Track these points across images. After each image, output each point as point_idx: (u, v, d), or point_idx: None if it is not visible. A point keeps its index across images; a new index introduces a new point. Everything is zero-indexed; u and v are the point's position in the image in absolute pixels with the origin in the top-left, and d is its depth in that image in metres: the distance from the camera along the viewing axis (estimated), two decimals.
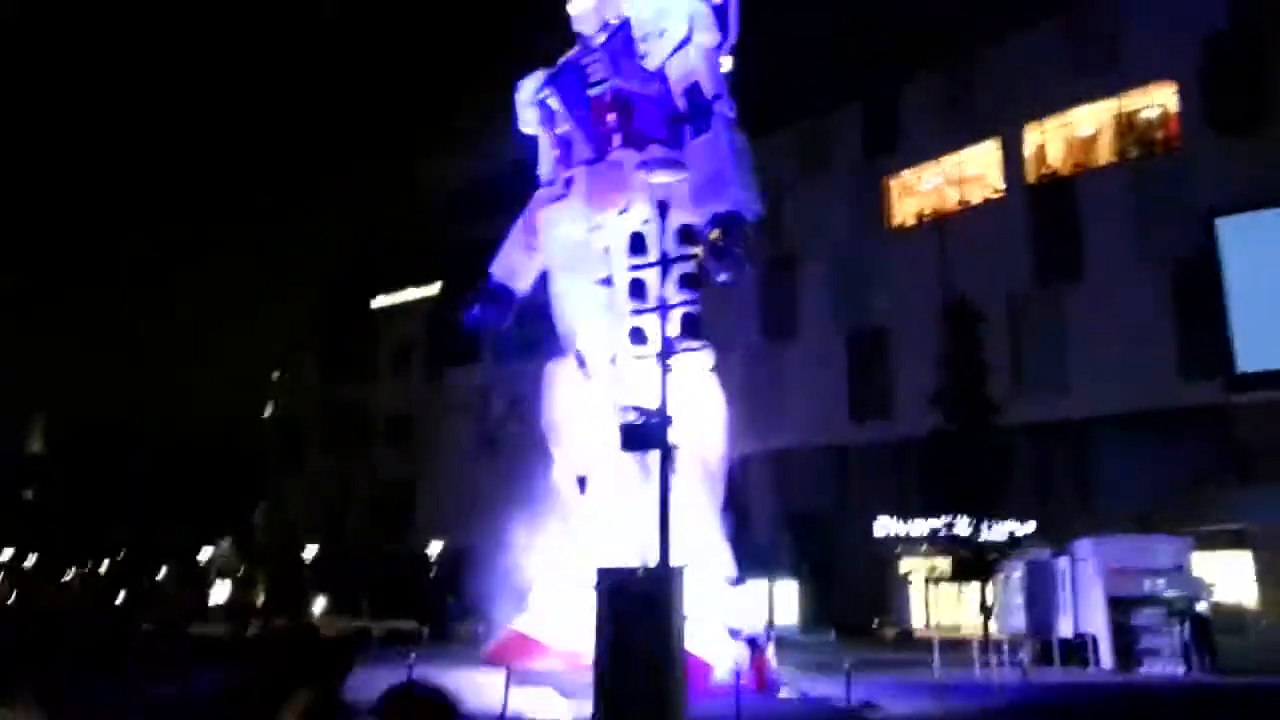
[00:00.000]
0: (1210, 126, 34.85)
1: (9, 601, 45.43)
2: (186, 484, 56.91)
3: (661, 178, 12.44)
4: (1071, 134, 39.32)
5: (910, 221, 43.57)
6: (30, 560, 65.11)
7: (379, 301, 62.33)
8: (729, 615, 18.41)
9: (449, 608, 35.71)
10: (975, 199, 41.69)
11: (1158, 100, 37.12)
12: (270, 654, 3.37)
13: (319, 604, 43.77)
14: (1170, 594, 24.93)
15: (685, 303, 11.63)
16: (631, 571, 10.11)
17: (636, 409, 11.39)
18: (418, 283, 60.22)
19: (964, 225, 41.05)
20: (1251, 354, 32.67)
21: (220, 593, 58.18)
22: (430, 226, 59.94)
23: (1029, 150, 40.02)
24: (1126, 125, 37.88)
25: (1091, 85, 37.59)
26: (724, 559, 18.47)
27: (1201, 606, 24.91)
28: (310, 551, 52.05)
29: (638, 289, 11.88)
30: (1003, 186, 40.64)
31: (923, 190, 43.56)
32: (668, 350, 11.71)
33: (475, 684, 18.30)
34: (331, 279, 65.56)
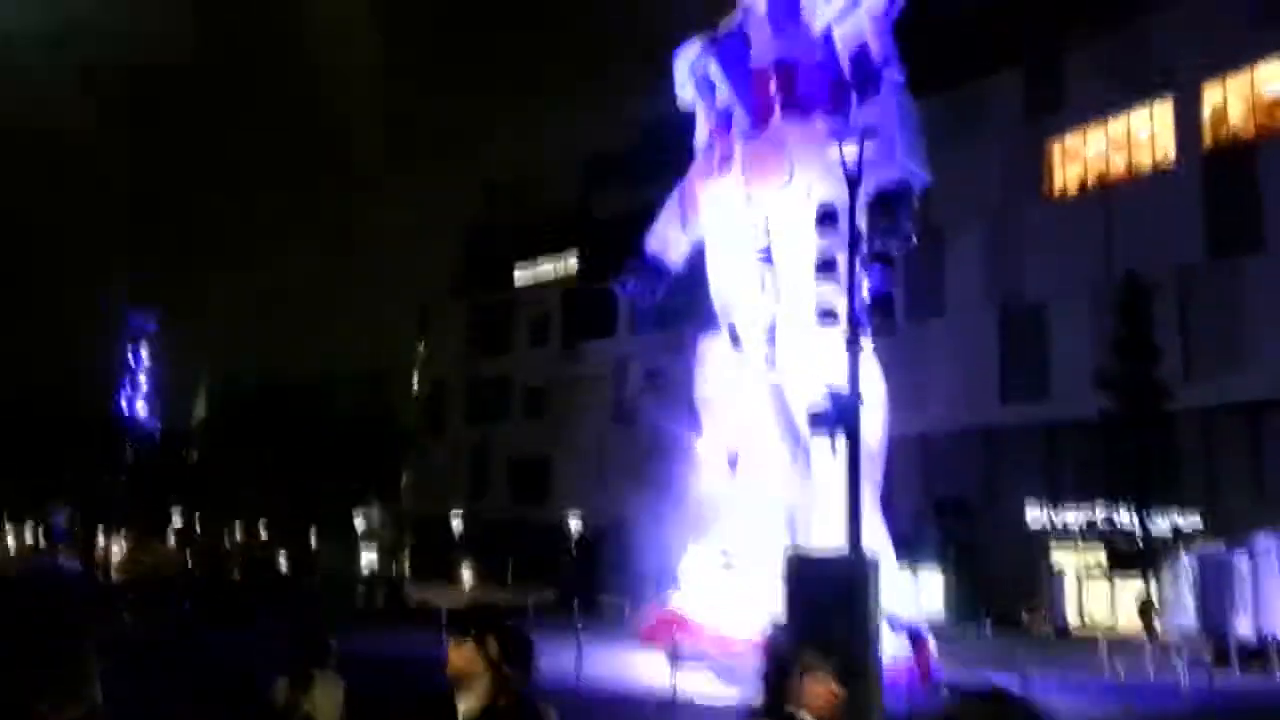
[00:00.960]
0: None
1: (191, 567, 48.31)
2: (337, 449, 59.12)
3: (851, 150, 11.83)
4: (1255, 93, 36.29)
5: (1073, 189, 41.18)
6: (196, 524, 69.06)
7: (519, 274, 63.14)
8: (890, 605, 17.78)
9: (595, 583, 36.00)
10: (1145, 164, 39.04)
11: None
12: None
13: (465, 574, 44.94)
14: None
15: (877, 281, 11.05)
16: (826, 559, 9.68)
17: (827, 389, 10.92)
18: (553, 254, 60.68)
19: (1132, 193, 38.50)
20: None
21: (368, 558, 60.60)
22: (567, 198, 60.25)
23: (1207, 111, 37.16)
24: None
25: (1276, 37, 34.55)
26: (885, 546, 17.81)
27: None
28: (455, 522, 53.42)
29: (827, 267, 11.36)
30: (1175, 151, 37.93)
31: (1087, 155, 41.06)
32: (858, 330, 11.17)
33: (635, 664, 18.31)
34: (473, 248, 66.60)
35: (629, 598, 29.19)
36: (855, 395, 10.85)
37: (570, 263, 59.66)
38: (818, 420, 10.97)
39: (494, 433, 60.76)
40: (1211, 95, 37.02)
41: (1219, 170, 36.12)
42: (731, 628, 19.63)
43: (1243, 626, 24.92)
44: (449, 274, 68.25)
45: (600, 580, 39.45)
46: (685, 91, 20.59)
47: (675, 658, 14.88)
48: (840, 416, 10.75)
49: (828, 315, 11.26)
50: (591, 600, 32.60)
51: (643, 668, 17.56)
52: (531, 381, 59.91)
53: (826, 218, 11.64)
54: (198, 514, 68.09)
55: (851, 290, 11.05)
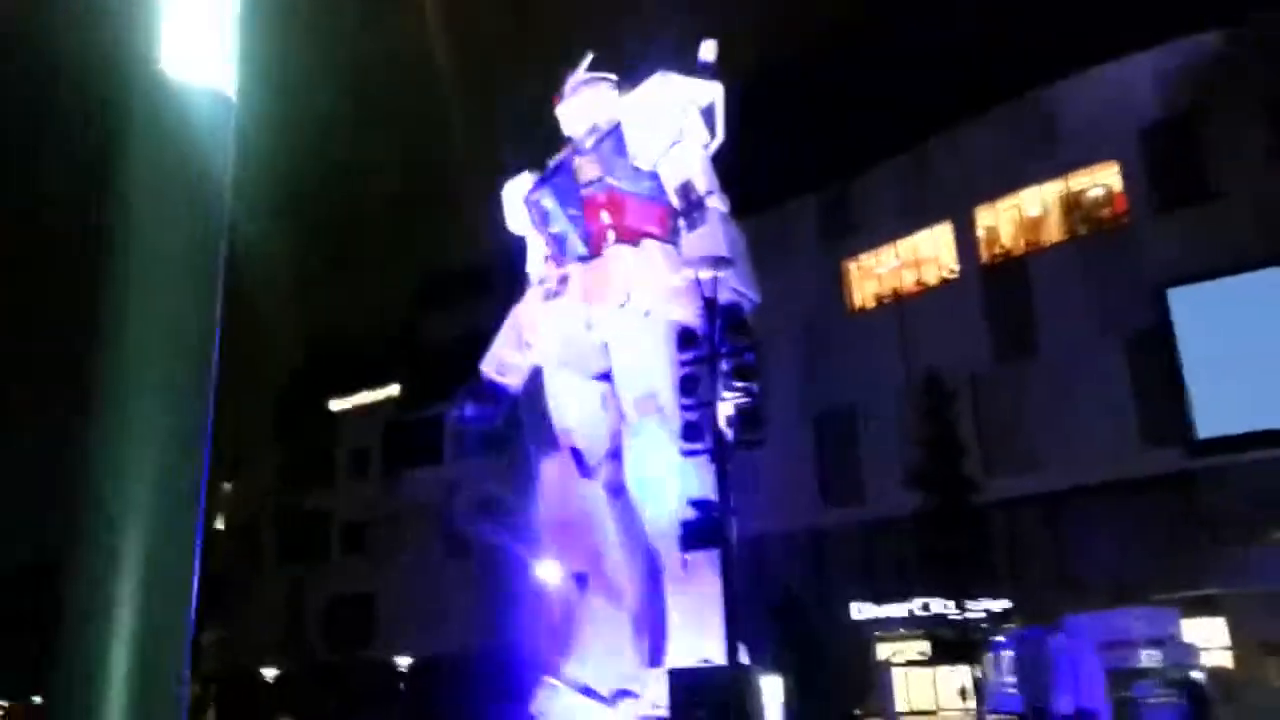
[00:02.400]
0: (1154, 203, 36.46)
1: None
2: None
3: (705, 273, 12.49)
4: (1021, 214, 40.78)
5: (870, 304, 44.49)
6: None
7: (336, 404, 61.25)
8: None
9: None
10: (932, 280, 42.79)
11: (1101, 180, 38.77)
12: None
13: None
14: (1166, 664, 25.02)
15: (742, 396, 11.58)
16: (707, 671, 9.77)
17: (696, 504, 11.20)
18: (373, 385, 59.45)
19: (922, 306, 42.03)
20: (1209, 420, 33.56)
21: None
22: (386, 328, 59.60)
23: (981, 231, 41.36)
24: (1074, 204, 39.43)
25: (1038, 167, 39.19)
26: (743, 653, 18.04)
27: (1197, 675, 25.02)
28: (269, 671, 49.80)
29: (689, 384, 11.82)
30: (957, 267, 41.81)
31: (881, 273, 44.63)
32: (724, 446, 11.62)
33: None
34: (290, 394, 64.36)
35: None
36: (726, 507, 11.23)
37: (391, 391, 58.56)
38: (690, 535, 11.22)
39: (311, 572, 57.66)
40: (984, 217, 41.28)
41: (996, 283, 40.05)
42: None
43: (1063, 704, 26.52)
44: (265, 423, 65.46)
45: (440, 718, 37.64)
46: (517, 220, 21.11)
47: None
48: (712, 530, 11.06)
49: (693, 431, 11.68)
50: None
51: None
52: (352, 516, 57.58)
53: (683, 338, 12.19)
54: None
55: (715, 407, 11.54)
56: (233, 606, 59.68)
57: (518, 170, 20.96)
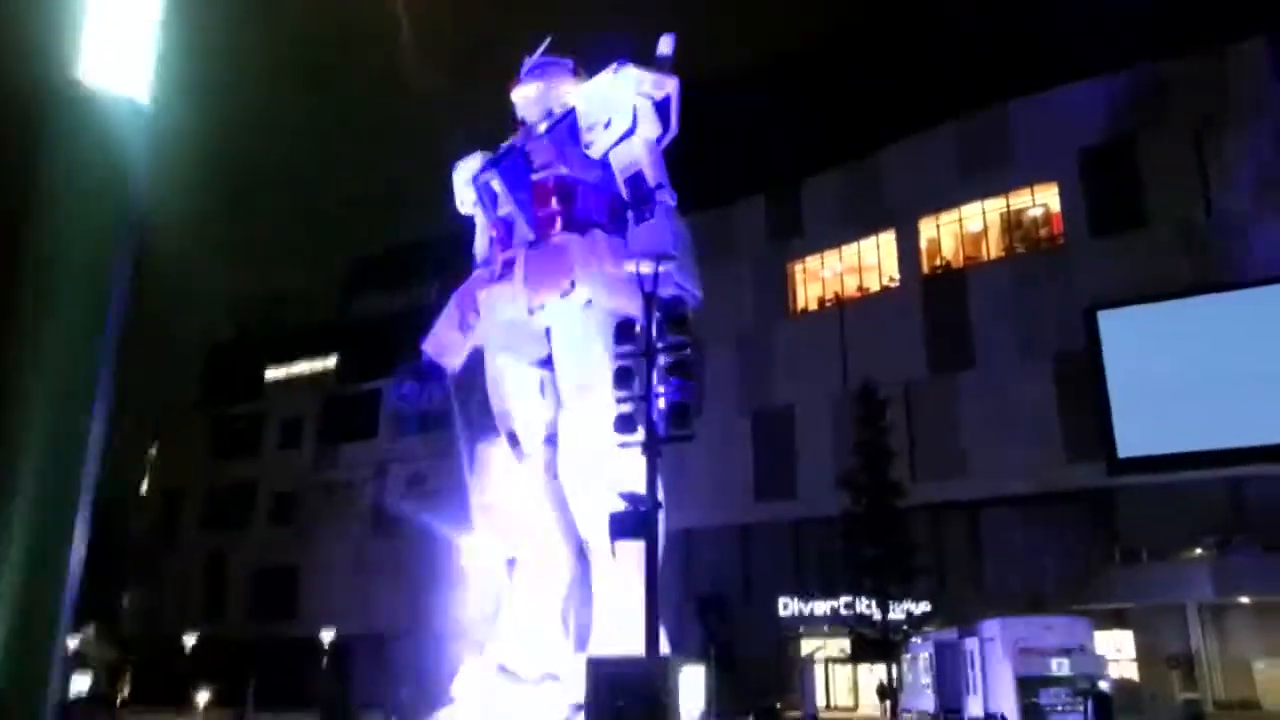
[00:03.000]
0: (1090, 226, 37.45)
1: None
2: None
3: (647, 267, 12.59)
4: (963, 229, 41.58)
5: (813, 306, 45.03)
6: None
7: (270, 374, 60.23)
8: None
9: (352, 700, 34.03)
10: (874, 287, 43.43)
11: (1040, 199, 39.70)
12: None
13: (201, 695, 41.05)
14: (1074, 673, 25.82)
15: (674, 391, 11.70)
16: (627, 662, 9.89)
17: (625, 497, 11.31)
18: (311, 355, 58.58)
19: (864, 312, 42.66)
20: (1131, 440, 34.65)
21: (80, 684, 53.99)
22: (322, 301, 58.76)
23: (924, 242, 42.08)
24: (1014, 222, 40.32)
25: (981, 184, 39.98)
26: (664, 644, 18.26)
27: (1103, 685, 25.85)
28: (188, 639, 48.90)
29: (624, 377, 11.91)
30: (899, 276, 42.51)
31: (825, 276, 45.18)
32: (655, 439, 11.73)
33: None
34: (219, 362, 63.12)
35: (392, 715, 27.86)
36: (654, 501, 11.36)
37: (328, 364, 57.76)
38: (618, 525, 11.33)
39: (234, 541, 56.73)
40: (927, 229, 42.01)
41: (935, 294, 40.81)
42: None
43: (974, 706, 27.26)
44: (191, 390, 64.19)
45: (360, 697, 37.36)
46: (465, 201, 21.02)
47: None
48: (640, 522, 11.19)
49: (626, 423, 11.79)
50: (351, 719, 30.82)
51: None
52: (279, 487, 56.74)
53: (621, 330, 12.27)
54: None
55: (650, 401, 11.65)
56: (153, 572, 58.51)
57: (467, 151, 20.92)
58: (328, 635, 43.83)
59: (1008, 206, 40.29)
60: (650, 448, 11.72)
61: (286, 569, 53.80)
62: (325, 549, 51.56)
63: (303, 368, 59.06)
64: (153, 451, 64.32)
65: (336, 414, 55.41)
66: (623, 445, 11.82)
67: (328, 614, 46.76)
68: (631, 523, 11.30)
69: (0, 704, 3.16)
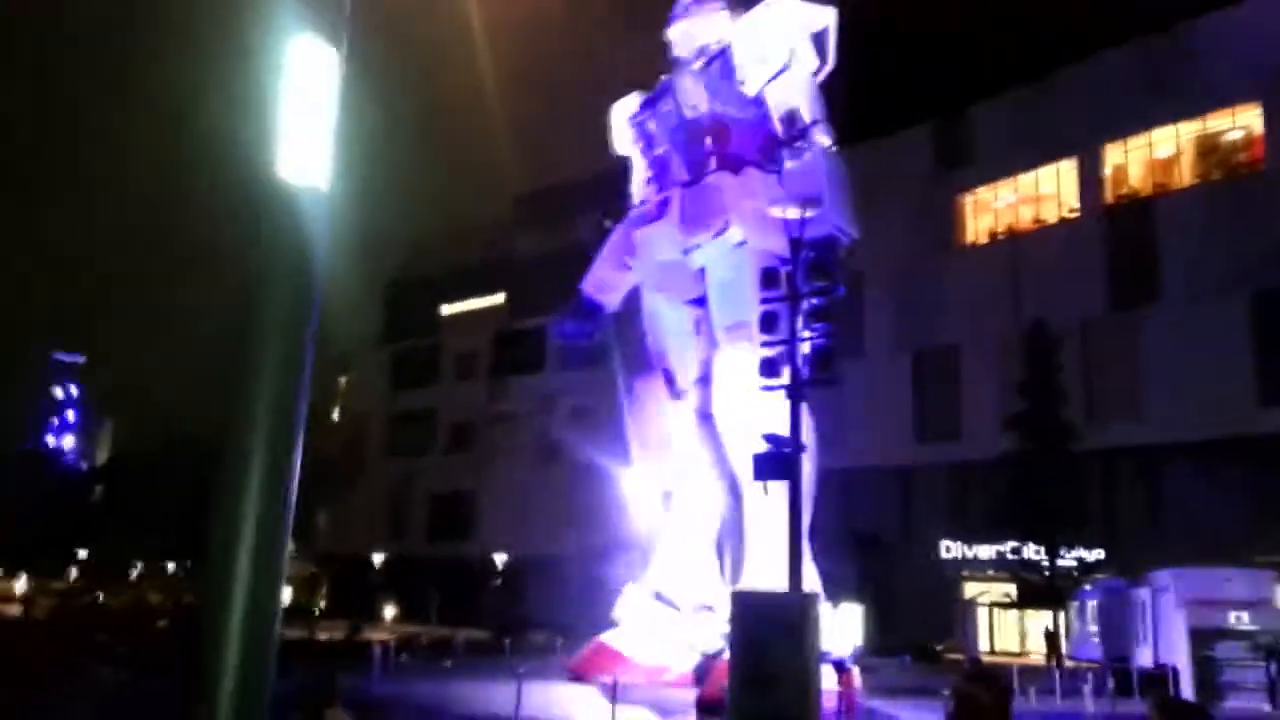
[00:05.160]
0: None
1: (95, 600, 46.59)
2: None
3: (795, 212, 12.63)
4: (1152, 155, 38.83)
5: (983, 240, 43.27)
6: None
7: (446, 309, 63.17)
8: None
9: (522, 618, 36.02)
10: (1050, 219, 41.30)
11: (1241, 122, 36.54)
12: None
13: (388, 610, 44.36)
14: (1255, 628, 24.49)
15: (817, 336, 11.81)
16: (771, 597, 10.26)
17: (769, 438, 11.59)
18: (481, 292, 60.98)
19: (1038, 245, 40.68)
20: None
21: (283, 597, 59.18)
22: (494, 238, 60.72)
23: (1108, 170, 39.59)
24: (1209, 147, 37.32)
25: (1173, 106, 37.13)
26: (814, 580, 18.58)
27: None
28: (376, 558, 52.78)
29: (770, 321, 12.10)
30: (1079, 206, 40.23)
31: (997, 208, 43.25)
32: (799, 384, 11.91)
33: (569, 699, 18.65)
34: (397, 299, 66.56)
35: (559, 634, 29.39)
36: (797, 445, 11.56)
37: (498, 300, 60.03)
38: (761, 466, 11.63)
39: (416, 468, 60.37)
40: (1113, 156, 39.43)
41: (1120, 226, 38.42)
42: (665, 662, 20.15)
43: (1144, 657, 26.32)
44: (372, 326, 68.01)
45: (528, 616, 39.50)
46: (622, 141, 21.42)
47: (612, 692, 15.27)
48: (783, 464, 11.43)
49: (770, 367, 11.99)
50: (520, 637, 32.72)
51: (578, 703, 17.91)
52: (456, 417, 59.81)
53: (767, 276, 12.42)
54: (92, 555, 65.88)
55: (793, 346, 11.79)
56: (340, 493, 63.13)
57: (625, 91, 21.23)
58: (500, 558, 46.30)
59: (1204, 129, 37.28)
60: (794, 392, 11.87)
61: (463, 494, 56.96)
62: (497, 476, 54.20)
63: (474, 304, 61.61)
64: (342, 380, 68.86)
65: (506, 349, 57.70)
66: (765, 389, 12.04)
67: (500, 538, 49.34)
68: (775, 464, 11.52)
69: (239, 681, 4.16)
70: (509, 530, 49.77)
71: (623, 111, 21.20)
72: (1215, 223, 35.57)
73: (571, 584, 39.47)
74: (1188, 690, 24.62)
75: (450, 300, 62.84)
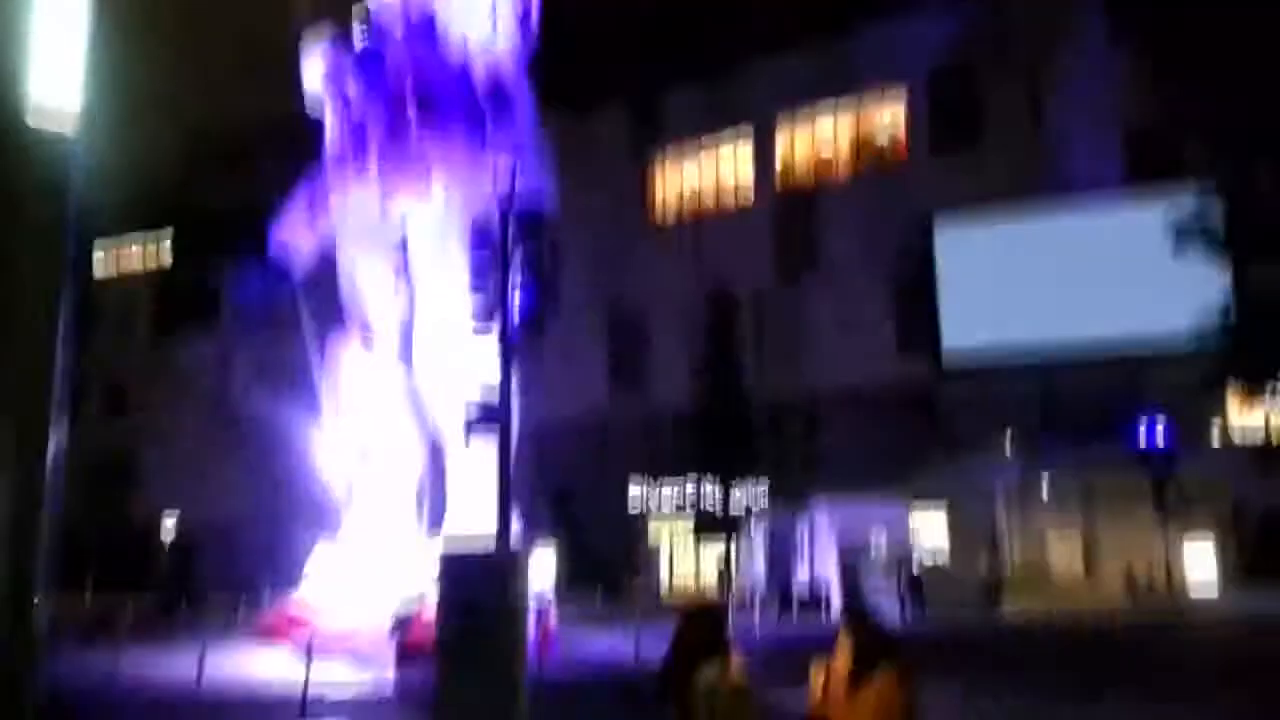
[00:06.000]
0: (931, 142, 39.62)
1: None
2: None
3: (504, 168, 12.81)
4: (815, 141, 43.16)
5: (672, 216, 46.28)
6: None
7: (100, 255, 56.77)
8: None
9: (199, 583, 33.92)
10: (729, 199, 44.92)
11: (889, 115, 41.56)
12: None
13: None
14: (889, 544, 28.46)
15: (528, 287, 12.20)
16: (477, 556, 10.52)
17: (481, 390, 11.81)
18: (143, 232, 55.26)
19: (719, 222, 44.15)
20: (956, 339, 37.52)
21: None
22: (156, 182, 55.24)
23: (779, 153, 43.55)
24: (863, 140, 42.16)
25: (832, 98, 41.63)
26: (515, 527, 19.21)
27: (916, 562, 28.59)
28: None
29: (480, 279, 12.29)
30: (752, 185, 43.98)
31: (685, 188, 46.34)
32: (512, 340, 12.23)
33: (258, 661, 18.05)
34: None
35: (242, 596, 28.11)
36: (508, 396, 11.94)
37: (164, 246, 54.87)
38: (476, 417, 11.85)
39: (72, 430, 54.28)
40: (783, 141, 43.50)
41: (786, 203, 42.67)
42: (358, 618, 20.01)
43: (802, 574, 29.74)
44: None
45: (206, 580, 37.28)
46: (315, 93, 20.55)
47: (306, 651, 15.02)
48: (494, 414, 11.76)
49: (484, 323, 12.23)
50: (199, 601, 30.90)
51: (267, 665, 17.44)
52: (112, 376, 54.19)
53: (479, 230, 12.61)
54: None
55: (505, 304, 12.11)
56: None
57: (319, 44, 20.24)
58: (169, 521, 43.22)
59: (857, 119, 42.03)
60: (505, 341, 12.24)
61: (123, 458, 52.09)
62: (166, 438, 50.14)
63: (134, 248, 55.82)
64: None
65: (173, 299, 53.09)
66: (479, 332, 12.30)
67: (171, 501, 45.89)
68: (487, 410, 11.86)
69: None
70: (180, 493, 46.31)
71: (316, 66, 20.29)
72: (866, 202, 40.28)
73: (256, 547, 37.66)
74: (837, 603, 28.21)
75: (105, 237, 56.20)
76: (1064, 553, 35.51)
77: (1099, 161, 36.59)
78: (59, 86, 4.13)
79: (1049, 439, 35.58)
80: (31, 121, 3.99)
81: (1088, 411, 34.68)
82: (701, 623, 4.18)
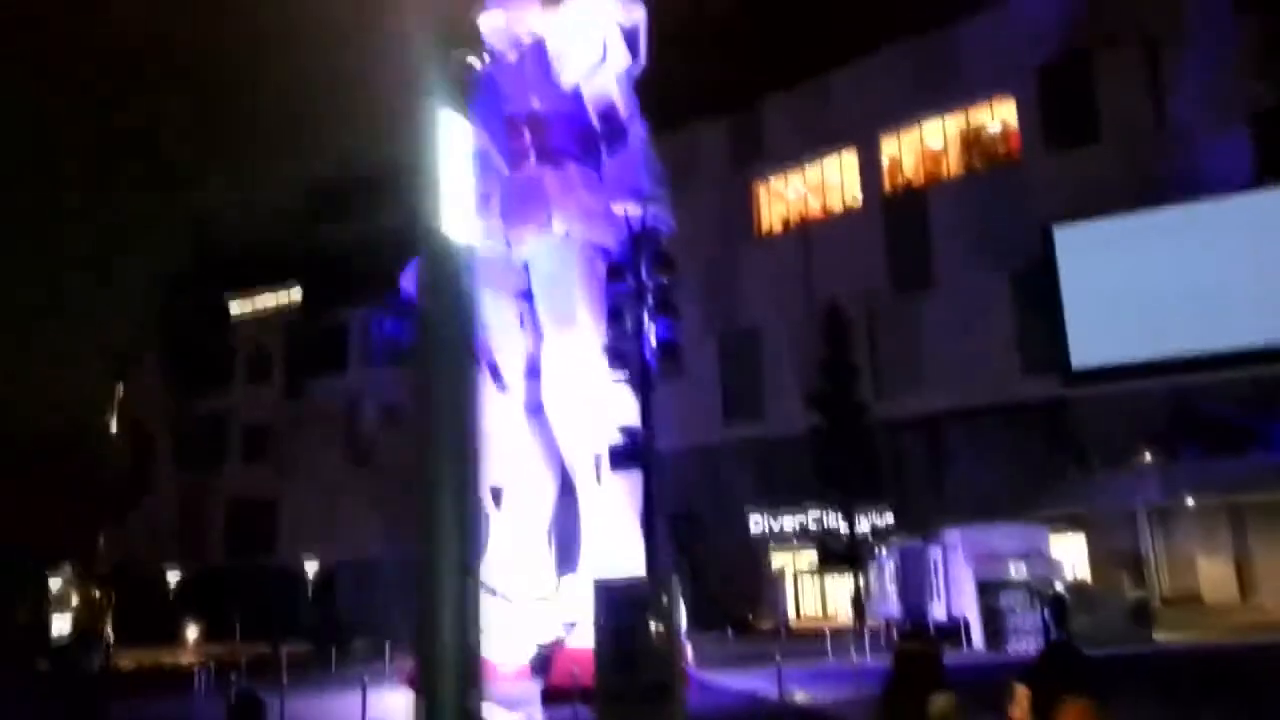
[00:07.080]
0: (1046, 142, 38.13)
1: None
2: (23, 504, 52.90)
3: (634, 209, 12.92)
4: (922, 147, 42.04)
5: (778, 228, 45.56)
6: None
7: (234, 307, 59.58)
8: None
9: (341, 627, 34.76)
10: (836, 207, 43.96)
11: (999, 116, 40.19)
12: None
13: (190, 631, 41.68)
14: (1032, 577, 27.14)
15: (665, 329, 12.21)
16: (627, 583, 10.55)
17: (623, 429, 11.86)
18: (272, 284, 57.91)
19: (827, 232, 43.24)
20: (1084, 351, 35.86)
21: (60, 624, 54.39)
22: (285, 227, 57.82)
23: (885, 161, 42.54)
24: (972, 139, 40.85)
25: (937, 101, 40.38)
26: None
27: (1058, 587, 27.19)
28: (170, 576, 49.40)
29: (616, 315, 12.39)
30: (860, 195, 43.02)
31: (789, 198, 45.63)
32: (649, 375, 12.26)
33: (411, 702, 18.30)
34: (177, 279, 61.96)
35: (385, 640, 28.68)
36: (650, 432, 11.94)
37: (293, 295, 57.27)
38: (616, 456, 11.91)
39: (210, 477, 56.88)
40: (888, 147, 42.41)
41: (897, 213, 41.45)
42: (500, 657, 20.17)
43: (937, 611, 28.63)
44: (150, 318, 62.96)
45: (347, 624, 38.22)
46: None
47: None
48: (636, 452, 11.78)
49: (618, 359, 12.30)
50: (343, 646, 31.66)
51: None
52: (252, 421, 56.76)
53: (613, 270, 12.72)
54: None
55: (642, 337, 12.15)
56: (124, 510, 58.65)
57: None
58: (311, 566, 44.52)
59: (966, 123, 40.79)
60: (643, 382, 12.26)
61: (264, 503, 54.19)
62: (301, 482, 51.96)
63: (266, 299, 58.46)
64: (120, 388, 63.76)
65: (304, 345, 55.23)
66: (613, 367, 12.38)
67: (309, 545, 47.41)
68: (630, 453, 11.89)
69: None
70: (317, 537, 47.86)
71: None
72: (980, 208, 39.01)
73: (392, 588, 38.55)
74: (978, 639, 27.05)
75: (238, 294, 59.19)
76: (1215, 576, 33.59)
77: (1227, 154, 34.75)
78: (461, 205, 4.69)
79: (1190, 455, 33.78)
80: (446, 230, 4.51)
81: (1230, 425, 32.87)
82: (925, 661, 4.55)
